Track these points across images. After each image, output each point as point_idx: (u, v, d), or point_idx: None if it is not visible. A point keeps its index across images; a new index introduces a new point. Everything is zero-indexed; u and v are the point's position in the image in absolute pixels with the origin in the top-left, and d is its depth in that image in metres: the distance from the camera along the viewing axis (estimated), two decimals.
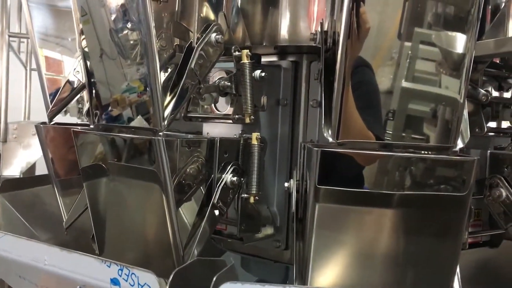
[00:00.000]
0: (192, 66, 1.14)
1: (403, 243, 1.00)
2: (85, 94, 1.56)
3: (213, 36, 1.17)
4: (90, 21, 1.21)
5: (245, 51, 1.21)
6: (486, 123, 1.33)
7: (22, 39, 3.34)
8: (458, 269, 1.04)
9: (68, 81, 1.49)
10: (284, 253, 1.38)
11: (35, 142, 2.64)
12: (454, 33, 0.96)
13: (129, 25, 1.12)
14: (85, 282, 0.96)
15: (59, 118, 1.60)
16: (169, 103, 1.12)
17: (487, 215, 1.33)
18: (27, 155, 2.86)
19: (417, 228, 1.00)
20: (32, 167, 2.91)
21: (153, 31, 1.07)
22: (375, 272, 1.02)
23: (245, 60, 1.21)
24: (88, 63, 1.25)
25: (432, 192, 0.98)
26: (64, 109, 1.69)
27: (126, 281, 0.90)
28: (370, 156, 0.97)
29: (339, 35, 0.97)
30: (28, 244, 1.05)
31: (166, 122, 1.10)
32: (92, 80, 1.24)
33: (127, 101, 1.16)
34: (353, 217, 1.00)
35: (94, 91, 1.24)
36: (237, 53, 1.23)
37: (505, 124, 1.42)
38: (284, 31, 1.32)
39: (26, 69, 3.27)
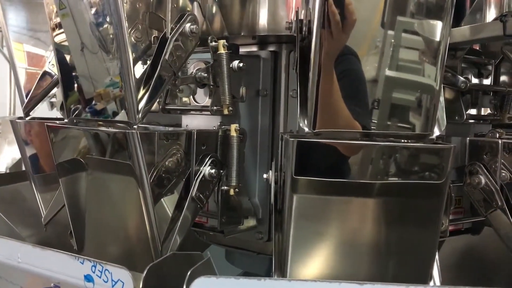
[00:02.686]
0: (166, 57, 1.12)
1: (381, 232, 1.00)
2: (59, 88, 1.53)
3: (188, 26, 1.15)
4: (70, 14, 1.19)
5: (222, 41, 1.19)
6: (466, 110, 1.32)
7: None
8: (437, 256, 1.04)
9: (43, 75, 1.46)
10: (267, 244, 1.38)
11: None
12: (427, 20, 0.95)
13: (106, 18, 1.10)
14: (59, 280, 0.94)
15: (47, 113, 1.57)
16: (143, 96, 1.10)
17: (468, 203, 1.32)
18: (12, 151, 2.82)
19: (395, 217, 1.00)
20: (18, 163, 2.87)
21: (124, 21, 1.05)
22: (354, 262, 1.02)
23: (222, 51, 1.20)
24: (63, 57, 1.22)
25: (409, 180, 0.97)
26: (51, 103, 1.67)
27: (100, 277, 0.89)
28: (346, 146, 0.97)
29: (313, 24, 0.96)
30: (1, 242, 1.03)
31: (140, 115, 1.08)
32: (66, 74, 1.22)
33: (103, 94, 1.14)
34: (331, 207, 1.00)
35: (68, 85, 1.22)
36: (213, 43, 1.21)
37: (485, 111, 1.42)
38: (262, 20, 1.30)
39: (10, 64, 3.22)
